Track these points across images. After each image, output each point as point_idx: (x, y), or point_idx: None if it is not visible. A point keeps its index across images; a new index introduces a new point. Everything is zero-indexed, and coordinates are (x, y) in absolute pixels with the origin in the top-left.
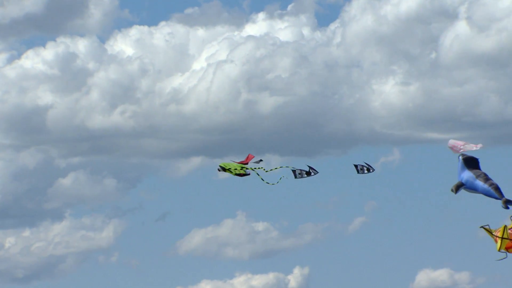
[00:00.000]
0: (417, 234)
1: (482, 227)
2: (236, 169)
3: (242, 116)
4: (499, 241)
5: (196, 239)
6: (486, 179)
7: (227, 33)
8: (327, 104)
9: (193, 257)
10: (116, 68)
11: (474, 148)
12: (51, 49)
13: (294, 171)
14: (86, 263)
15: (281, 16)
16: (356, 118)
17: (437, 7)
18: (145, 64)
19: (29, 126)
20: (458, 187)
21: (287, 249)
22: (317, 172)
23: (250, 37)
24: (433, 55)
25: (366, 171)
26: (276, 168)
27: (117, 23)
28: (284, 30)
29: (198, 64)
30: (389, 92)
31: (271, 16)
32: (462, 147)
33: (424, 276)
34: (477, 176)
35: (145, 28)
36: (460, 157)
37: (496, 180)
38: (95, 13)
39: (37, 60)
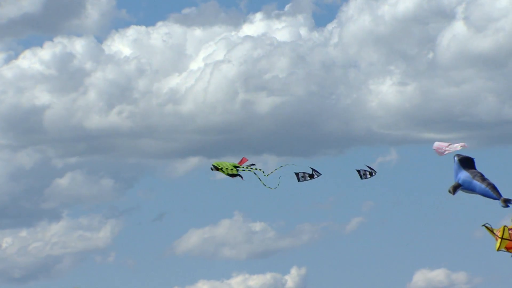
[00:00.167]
0: (414, 234)
1: (484, 225)
2: (228, 168)
3: (240, 116)
4: (498, 241)
5: (193, 239)
6: (483, 179)
7: (225, 33)
8: (324, 104)
9: (190, 257)
10: (113, 68)
11: (459, 148)
12: (48, 49)
13: (297, 174)
14: (83, 263)
15: (278, 16)
16: (353, 118)
17: (434, 7)
18: (143, 64)
19: (26, 126)
20: (456, 188)
21: (284, 249)
22: (320, 174)
23: (247, 37)
24: (431, 55)
25: (369, 176)
26: (276, 169)
27: (115, 23)
28: (281, 30)
29: (196, 64)
30: (386, 92)
31: (268, 16)
32: (446, 148)
33: (421, 276)
34: (474, 176)
35: (142, 28)
36: (456, 158)
37: (493, 180)
38: (93, 13)
39: (34, 60)
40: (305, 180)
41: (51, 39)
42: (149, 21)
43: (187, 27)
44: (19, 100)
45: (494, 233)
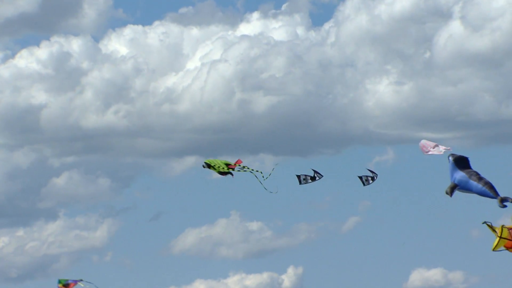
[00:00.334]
0: (411, 233)
1: (485, 223)
2: (220, 166)
3: (236, 115)
4: (496, 240)
5: (190, 238)
6: (479, 178)
7: (221, 33)
8: (321, 103)
9: (187, 257)
10: (110, 67)
11: (443, 151)
12: (45, 48)
13: (298, 177)
14: (80, 262)
15: (275, 16)
16: (350, 117)
17: (431, 6)
18: (139, 63)
19: (23, 126)
20: (452, 189)
21: (281, 249)
22: (322, 176)
23: (244, 36)
24: (427, 55)
25: (371, 181)
26: (273, 169)
27: (111, 23)
28: (278, 29)
29: (192, 64)
30: (383, 92)
31: (265, 15)
32: (431, 149)
33: (417, 275)
34: (470, 176)
35: (139, 28)
36: (450, 158)
37: (490, 179)
38: (89, 13)
39: (31, 60)
40: (306, 182)
41: (48, 39)
42: (146, 20)
43: (184, 26)
44: (16, 99)
45: (495, 230)
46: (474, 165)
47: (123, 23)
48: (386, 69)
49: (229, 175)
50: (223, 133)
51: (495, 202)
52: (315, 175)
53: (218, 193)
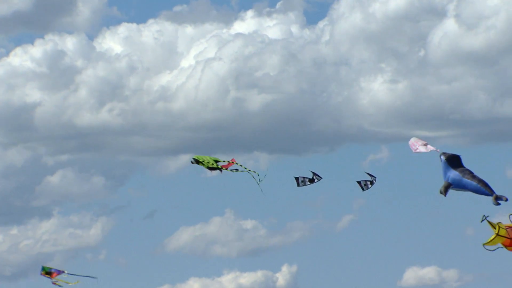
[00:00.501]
0: (405, 231)
1: (484, 217)
2: (209, 162)
3: (231, 113)
4: (492, 236)
5: (184, 237)
6: (473, 176)
7: (216, 31)
8: (316, 101)
9: (181, 255)
10: (104, 65)
11: (429, 150)
12: (39, 46)
13: (296, 179)
14: (74, 260)
15: (269, 14)
16: (345, 115)
17: (425, 5)
18: (134, 61)
19: (17, 124)
20: (446, 188)
21: (275, 247)
22: (321, 178)
23: (238, 34)
24: (422, 53)
25: (370, 185)
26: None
27: (106, 21)
28: (272, 27)
29: (187, 62)
30: (378, 90)
31: (259, 13)
32: (419, 147)
33: (412, 273)
34: (464, 175)
35: (133, 26)
36: (442, 157)
37: (484, 177)
38: (84, 11)
39: (26, 58)
40: (305, 184)
41: (42, 37)
42: (140, 18)
43: (178, 24)
44: (10, 97)
45: (494, 227)
46: (468, 163)
47: (117, 21)
48: (381, 67)
49: (218, 171)
50: (217, 131)
51: (488, 200)
52: (314, 177)
53: (213, 191)
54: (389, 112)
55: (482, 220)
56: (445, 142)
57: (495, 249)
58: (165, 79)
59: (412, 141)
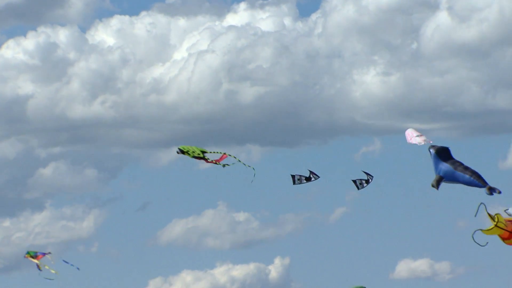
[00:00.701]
0: (398, 224)
1: (481, 205)
2: (194, 152)
3: (223, 106)
4: (491, 226)
5: (176, 229)
6: (465, 168)
7: (208, 23)
8: (308, 94)
9: (173, 247)
10: (96, 58)
11: (422, 142)
12: (31, 38)
13: (293, 177)
14: (67, 253)
15: (262, 6)
16: (337, 108)
17: None
18: (126, 54)
19: (9, 116)
20: (438, 181)
21: (268, 240)
22: (318, 177)
23: (231, 27)
24: (414, 46)
25: (365, 184)
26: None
27: (98, 13)
28: (265, 20)
29: (179, 54)
30: (370, 82)
31: (252, 6)
32: (415, 137)
33: (404, 266)
34: (456, 167)
35: (126, 18)
36: (432, 150)
37: (477, 170)
38: (76, 3)
39: (18, 50)
40: (301, 183)
41: (34, 29)
42: (133, 10)
43: (171, 17)
44: (2, 89)
45: (492, 218)
46: (461, 155)
47: (110, 14)
48: (373, 59)
49: (204, 161)
50: (210, 123)
51: (481, 192)
52: (311, 176)
53: (205, 183)
54: (382, 104)
55: (478, 208)
56: (437, 134)
57: (484, 245)
58: (158, 71)
59: (408, 131)
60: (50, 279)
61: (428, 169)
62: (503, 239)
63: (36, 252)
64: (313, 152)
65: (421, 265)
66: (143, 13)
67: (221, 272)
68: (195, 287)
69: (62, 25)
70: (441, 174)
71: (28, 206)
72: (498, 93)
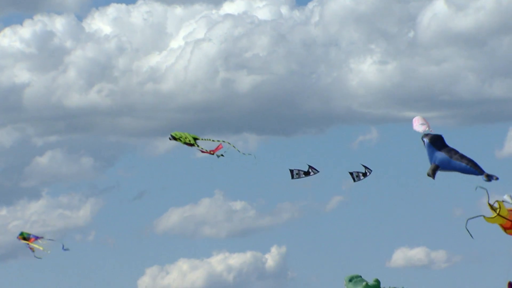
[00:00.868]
0: (394, 213)
1: (478, 187)
2: (186, 138)
3: (220, 94)
4: (493, 215)
5: (173, 218)
6: (462, 156)
7: (205, 12)
8: (305, 83)
9: (170, 236)
10: (93, 46)
11: (421, 131)
12: (28, 27)
13: (291, 171)
14: (63, 241)
15: None
16: (334, 97)
17: None
18: (123, 42)
19: (6, 105)
20: (434, 170)
21: (264, 228)
22: (318, 172)
23: (228, 15)
24: (411, 34)
25: (362, 177)
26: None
27: (95, 1)
28: (262, 8)
29: (176, 43)
30: (367, 71)
31: None
32: (419, 124)
33: (400, 254)
34: (451, 155)
35: (122, 6)
36: (426, 139)
37: (473, 158)
38: None
39: (15, 38)
40: (299, 177)
41: (31, 17)
42: None
43: (168, 5)
44: None
45: (493, 208)
46: (457, 144)
47: (106, 2)
48: (370, 48)
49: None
50: (206, 112)
51: (477, 180)
52: (310, 170)
53: (202, 172)
54: (379, 93)
55: (476, 188)
56: (434, 123)
57: (472, 237)
58: (154, 60)
59: (416, 118)
60: (39, 258)
61: (425, 158)
62: (505, 228)
63: (29, 234)
64: (310, 140)
65: (417, 253)
66: (140, 1)
67: (217, 261)
68: (191, 275)
69: (59, 13)
70: (437, 163)
71: (24, 195)
72: (494, 81)
